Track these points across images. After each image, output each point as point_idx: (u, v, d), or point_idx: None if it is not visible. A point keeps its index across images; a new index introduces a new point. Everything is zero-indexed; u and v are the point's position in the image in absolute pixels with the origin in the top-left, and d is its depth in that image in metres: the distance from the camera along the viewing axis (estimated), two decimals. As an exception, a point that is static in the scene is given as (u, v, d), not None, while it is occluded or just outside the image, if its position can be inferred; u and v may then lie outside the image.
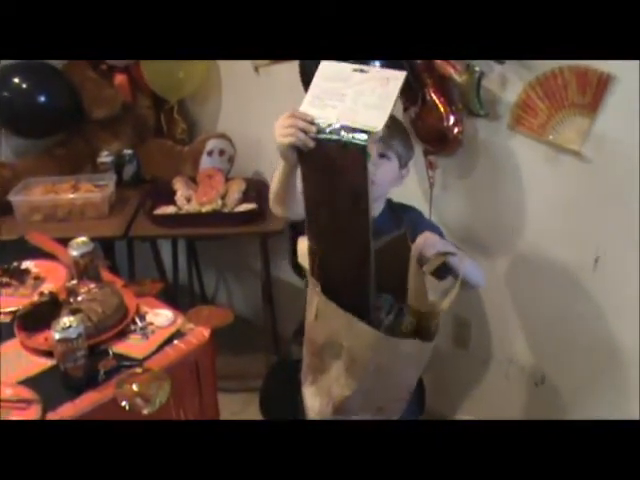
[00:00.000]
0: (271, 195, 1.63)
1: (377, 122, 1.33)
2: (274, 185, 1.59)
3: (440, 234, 1.78)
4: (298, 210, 1.53)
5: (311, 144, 1.37)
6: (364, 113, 1.35)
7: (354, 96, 1.38)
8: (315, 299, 1.54)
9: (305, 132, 1.36)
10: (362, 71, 1.40)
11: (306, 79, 1.94)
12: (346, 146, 1.34)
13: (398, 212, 1.94)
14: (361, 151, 1.33)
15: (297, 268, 1.80)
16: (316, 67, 1.48)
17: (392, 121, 1.82)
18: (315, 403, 1.64)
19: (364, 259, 1.47)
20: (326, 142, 1.36)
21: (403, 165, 1.88)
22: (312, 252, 1.52)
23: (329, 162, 1.38)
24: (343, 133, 1.34)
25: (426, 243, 1.57)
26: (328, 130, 1.36)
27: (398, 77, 1.37)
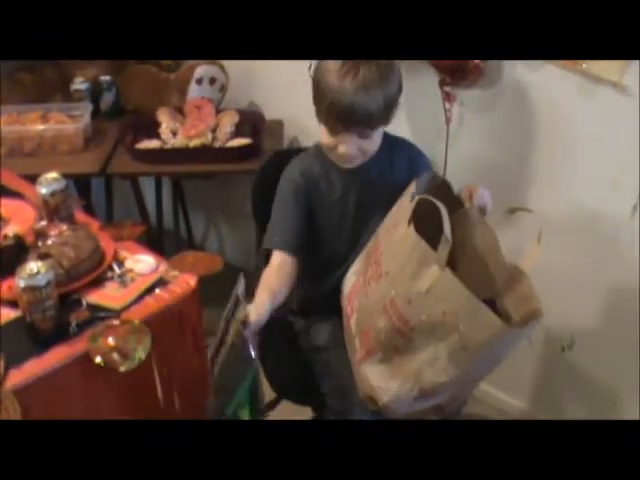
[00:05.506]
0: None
1: None
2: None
3: (430, 167, 1.91)
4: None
5: None
6: None
7: None
8: (434, 270, 1.48)
9: None
10: None
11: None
12: None
13: (391, 147, 1.87)
14: None
15: None
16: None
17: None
18: (391, 385, 1.60)
19: None
20: None
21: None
22: None
23: None
24: None
25: (484, 196, 1.68)
26: None
27: None
